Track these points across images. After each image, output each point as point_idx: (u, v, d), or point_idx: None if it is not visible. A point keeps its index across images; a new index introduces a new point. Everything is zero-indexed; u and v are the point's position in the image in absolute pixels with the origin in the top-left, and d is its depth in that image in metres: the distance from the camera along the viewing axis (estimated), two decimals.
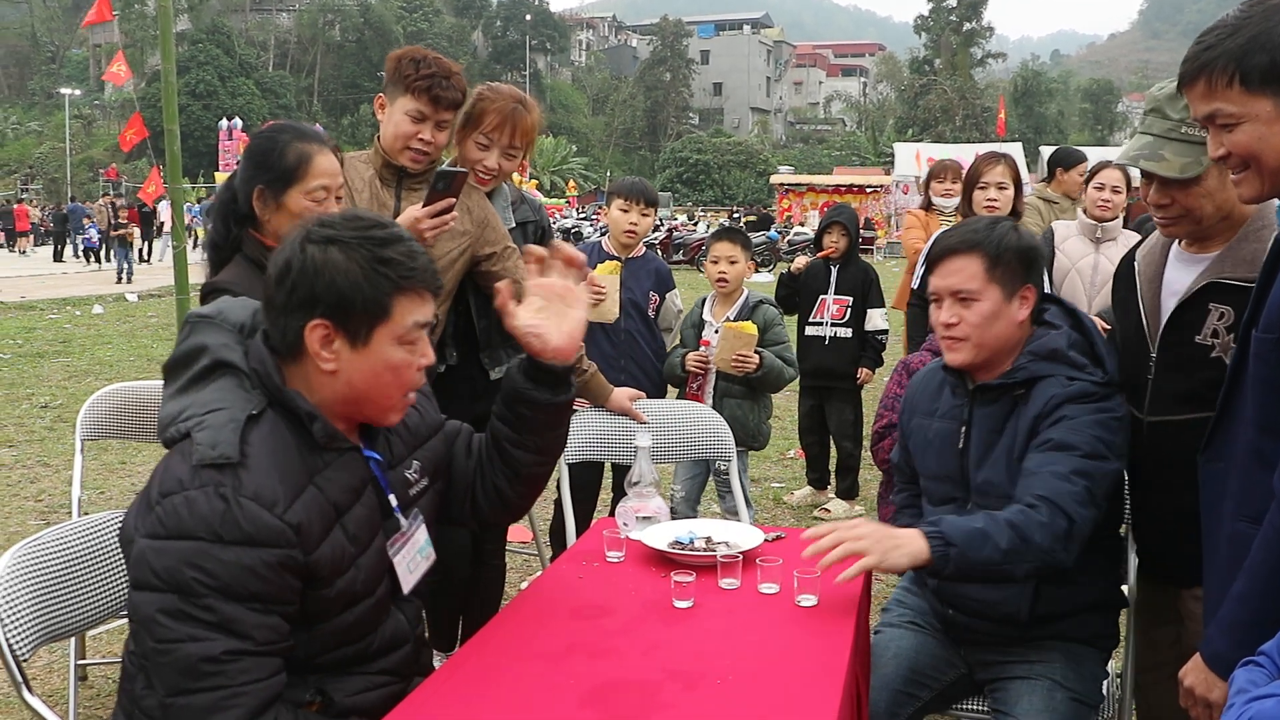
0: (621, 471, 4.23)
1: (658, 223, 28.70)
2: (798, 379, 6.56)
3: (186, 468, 1.94)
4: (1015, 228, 2.81)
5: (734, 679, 2.07)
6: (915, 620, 2.96)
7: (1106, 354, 2.75)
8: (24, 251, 36.79)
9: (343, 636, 2.13)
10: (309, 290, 2.04)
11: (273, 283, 2.08)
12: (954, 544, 2.40)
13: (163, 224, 31.35)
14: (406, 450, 2.35)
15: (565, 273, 2.51)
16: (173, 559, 1.88)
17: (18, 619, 2.27)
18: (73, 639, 3.44)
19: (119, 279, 24.27)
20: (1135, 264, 2.81)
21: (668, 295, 5.01)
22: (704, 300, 5.23)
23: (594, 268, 4.62)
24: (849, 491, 6.81)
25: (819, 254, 6.70)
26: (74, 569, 2.49)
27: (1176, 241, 2.69)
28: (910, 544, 2.41)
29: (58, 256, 32.75)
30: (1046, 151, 8.11)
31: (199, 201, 36.94)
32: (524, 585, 5.00)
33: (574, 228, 31.87)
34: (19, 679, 2.20)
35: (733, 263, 5.08)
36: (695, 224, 37.49)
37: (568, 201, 56.26)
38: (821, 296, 6.59)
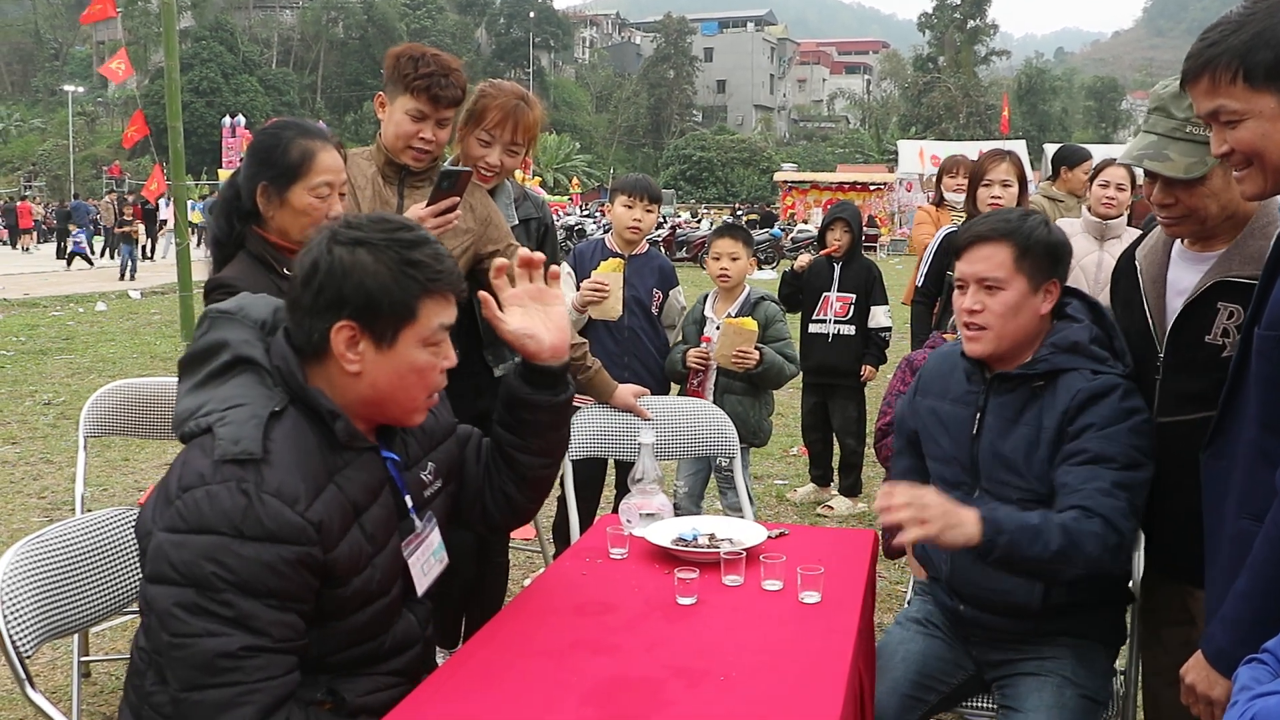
0: (625, 468, 4.23)
1: (661, 220, 28.69)
2: (800, 376, 6.58)
3: (208, 462, 1.94)
4: (1046, 222, 2.80)
5: (737, 676, 2.07)
6: (923, 624, 2.96)
7: (1126, 349, 2.75)
8: (27, 249, 36.80)
9: (356, 636, 2.14)
10: (336, 292, 2.04)
11: (299, 284, 2.08)
12: (1004, 532, 2.43)
13: (164, 221, 31.39)
14: (422, 452, 2.36)
15: (529, 275, 2.51)
16: (192, 553, 1.89)
17: (21, 615, 2.27)
18: (76, 636, 3.44)
19: (122, 276, 24.28)
20: (1137, 262, 2.79)
21: (671, 292, 5.01)
22: (706, 296, 5.23)
23: (597, 265, 4.61)
24: (852, 489, 6.80)
25: (822, 251, 6.69)
26: (77, 566, 2.49)
27: (1179, 239, 2.68)
28: (968, 525, 2.42)
29: (61, 254, 32.75)
30: (1050, 149, 8.12)
31: (201, 199, 36.99)
32: (527, 582, 5.00)
33: (577, 225, 31.84)
34: (22, 675, 2.20)
35: (734, 259, 5.08)
36: (699, 221, 37.51)
37: (571, 199, 56.23)
38: (825, 294, 6.59)
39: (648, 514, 3.01)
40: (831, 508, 6.72)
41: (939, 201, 6.60)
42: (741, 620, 2.36)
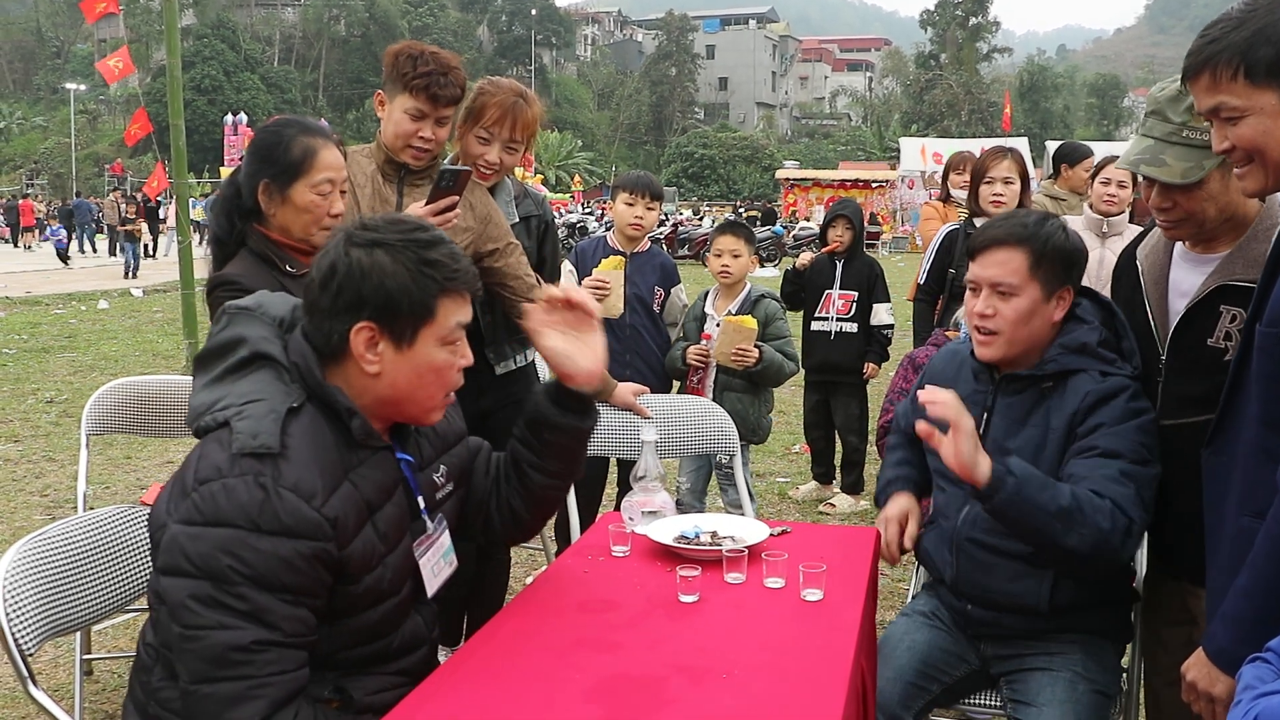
0: (626, 466, 4.23)
1: (663, 217, 28.69)
2: (802, 374, 6.58)
3: (225, 455, 1.95)
4: (1064, 227, 2.78)
5: (739, 673, 2.07)
6: (928, 616, 2.96)
7: (1136, 350, 2.74)
8: (29, 247, 36.80)
9: (365, 634, 2.15)
10: (355, 293, 2.06)
11: (316, 286, 2.09)
12: (1014, 474, 2.44)
13: (165, 219, 31.37)
14: (434, 454, 2.38)
15: (565, 309, 2.49)
16: (208, 545, 1.89)
17: (23, 614, 2.27)
18: (78, 634, 3.44)
19: (126, 274, 24.28)
20: (1138, 262, 2.78)
21: (673, 290, 5.01)
22: (707, 293, 5.23)
23: (599, 263, 4.62)
24: (854, 486, 6.80)
25: (824, 249, 6.69)
26: (79, 564, 2.49)
27: (1181, 241, 2.67)
28: (982, 461, 2.45)
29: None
30: (1052, 147, 8.10)
31: (203, 197, 36.97)
32: (529, 580, 5.00)
33: (579, 222, 31.85)
34: (25, 673, 2.21)
35: (736, 256, 5.07)
36: (700, 219, 37.50)
37: (572, 196, 56.23)
38: (827, 291, 6.58)
39: (650, 511, 3.01)
40: (834, 505, 6.72)
41: (945, 198, 6.58)
42: (744, 618, 2.36)
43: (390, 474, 2.18)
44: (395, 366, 2.10)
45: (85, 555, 2.52)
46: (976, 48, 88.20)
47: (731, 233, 5.17)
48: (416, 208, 3.22)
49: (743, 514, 3.93)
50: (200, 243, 13.01)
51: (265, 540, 1.90)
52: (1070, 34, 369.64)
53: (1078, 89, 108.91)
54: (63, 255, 29.02)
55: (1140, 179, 2.61)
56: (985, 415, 2.81)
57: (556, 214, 33.15)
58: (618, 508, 3.27)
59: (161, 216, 31.76)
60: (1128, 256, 2.85)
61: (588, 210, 41.16)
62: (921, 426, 2.54)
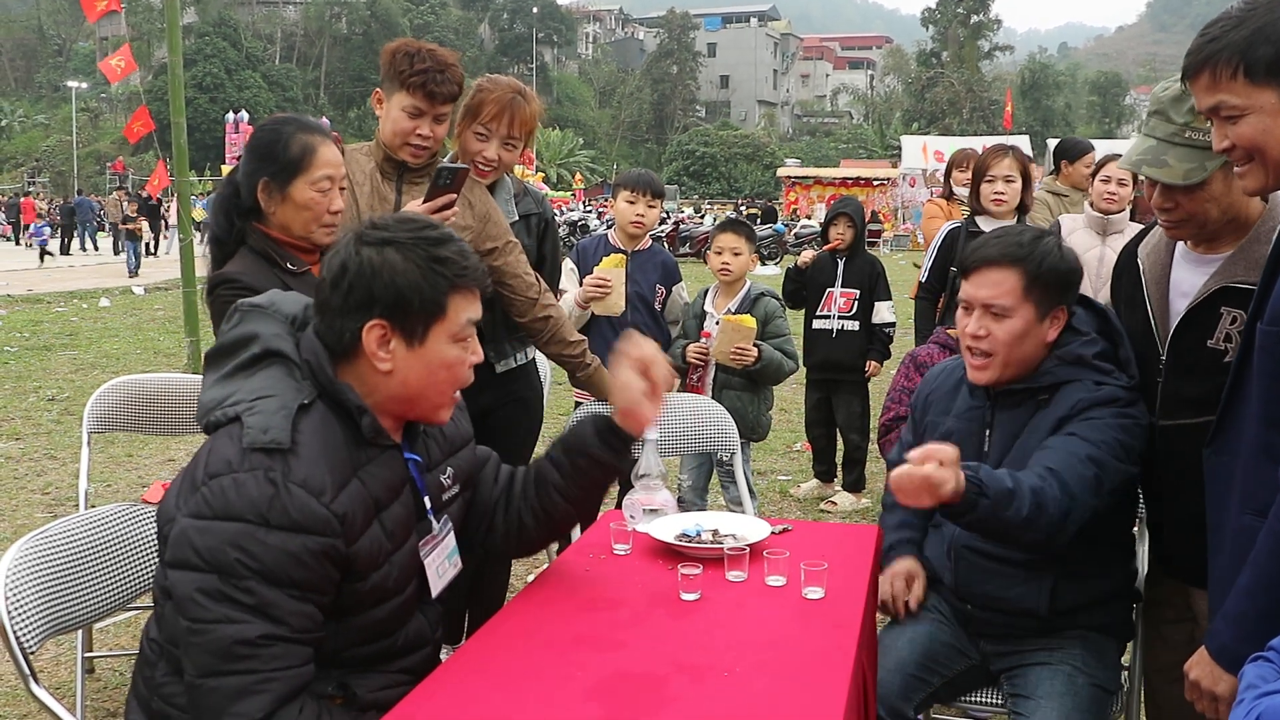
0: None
1: (664, 215, 28.69)
2: (802, 371, 6.58)
3: (236, 450, 1.97)
4: (1059, 245, 2.74)
5: (741, 671, 2.06)
6: (930, 610, 2.96)
7: (1133, 359, 2.73)
8: (31, 245, 36.77)
9: (370, 632, 2.16)
10: (367, 291, 2.07)
11: (328, 286, 2.11)
12: (987, 496, 2.39)
13: (166, 218, 31.34)
14: (442, 456, 2.39)
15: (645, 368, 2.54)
16: (217, 539, 1.91)
17: (25, 612, 2.27)
18: (80, 632, 3.44)
19: (131, 273, 24.26)
20: (1139, 260, 2.77)
21: (674, 288, 5.01)
22: (706, 291, 5.23)
23: (600, 261, 4.61)
24: (856, 484, 6.80)
25: (825, 247, 6.69)
26: (81, 562, 2.50)
27: (1182, 240, 2.66)
28: (958, 484, 2.37)
29: (64, 250, 32.75)
30: (1054, 144, 8.09)
31: (205, 195, 36.94)
32: (530, 578, 5.00)
33: (580, 220, 31.83)
34: (26, 671, 2.21)
35: (736, 254, 5.07)
36: (702, 217, 37.48)
37: (574, 194, 56.20)
38: (829, 289, 6.58)
39: (651, 510, 3.00)
40: (835, 503, 6.72)
41: (948, 195, 6.57)
42: (745, 616, 2.36)
43: (398, 473, 2.19)
44: (407, 364, 2.12)
45: (87, 553, 2.52)
46: (978, 45, 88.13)
47: (732, 230, 5.17)
48: (415, 206, 3.22)
49: (744, 511, 3.93)
50: (201, 240, 13.05)
51: (274, 535, 1.92)
52: (1072, 32, 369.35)
53: (1079, 87, 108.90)
54: (42, 254, 28.51)
55: (1143, 179, 2.60)
56: (987, 433, 2.81)
57: (557, 212, 33.13)
58: (619, 506, 3.27)
59: (163, 213, 31.72)
60: (1129, 254, 2.84)
61: (589, 208, 41.13)
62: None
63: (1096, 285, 5.20)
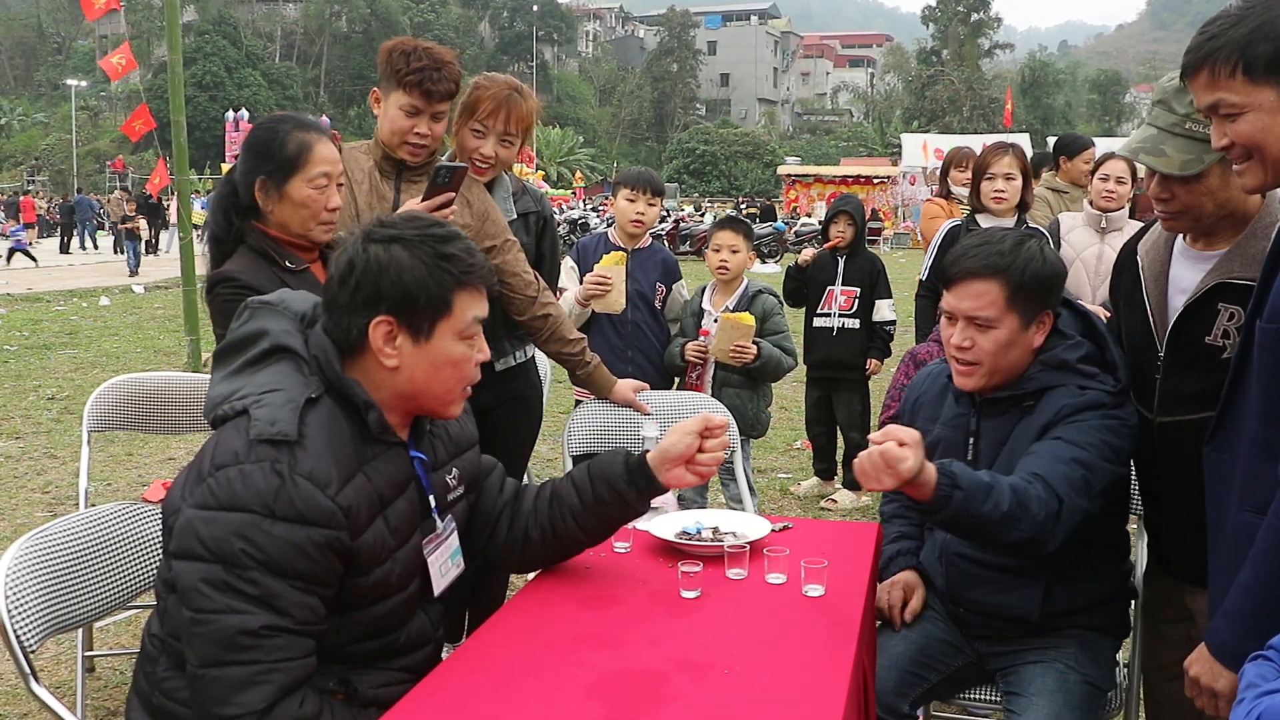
0: None
1: (664, 213, 28.66)
2: (802, 369, 6.58)
3: (242, 442, 1.99)
4: (1042, 249, 2.71)
5: (741, 669, 2.07)
6: (927, 606, 2.96)
7: (1120, 359, 2.72)
8: (30, 243, 36.73)
9: (372, 628, 2.17)
10: (373, 288, 2.10)
11: (335, 283, 2.14)
12: (960, 488, 2.36)
13: (167, 216, 31.32)
14: (448, 456, 2.40)
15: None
16: (222, 529, 1.92)
17: (25, 610, 2.27)
18: (80, 630, 3.45)
19: (130, 272, 24.23)
20: (1138, 258, 2.76)
21: (675, 286, 5.01)
22: (704, 289, 5.23)
23: (600, 259, 4.61)
24: (856, 482, 6.78)
25: (825, 245, 6.69)
26: (81, 560, 2.50)
27: (1181, 236, 2.66)
28: (927, 478, 2.34)
29: (64, 248, 32.73)
30: (1054, 142, 8.08)
31: (206, 194, 36.89)
32: (530, 576, 5.00)
33: (581, 218, 31.82)
34: (27, 670, 2.21)
35: (734, 252, 5.07)
36: (702, 215, 37.47)
37: (574, 193, 56.18)
38: (829, 287, 6.58)
39: (651, 507, 3.01)
40: (835, 501, 6.72)
41: (946, 194, 6.55)
42: (745, 614, 2.36)
43: (403, 470, 2.20)
44: (413, 360, 2.14)
45: (87, 552, 2.52)
46: (978, 44, 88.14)
47: (729, 228, 5.16)
48: (413, 204, 3.22)
49: (744, 509, 3.93)
50: (201, 239, 13.07)
51: (279, 526, 1.93)
52: (1072, 30, 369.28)
53: (1079, 85, 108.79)
54: (28, 253, 27.85)
55: (1144, 169, 2.60)
56: (972, 440, 2.80)
57: (557, 211, 33.15)
58: None
59: (166, 211, 31.67)
60: (1128, 252, 2.83)
61: (590, 207, 41.11)
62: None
63: (1095, 282, 5.21)
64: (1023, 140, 28.18)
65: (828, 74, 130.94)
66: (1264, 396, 2.11)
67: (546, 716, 1.90)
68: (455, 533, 2.40)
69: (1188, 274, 2.60)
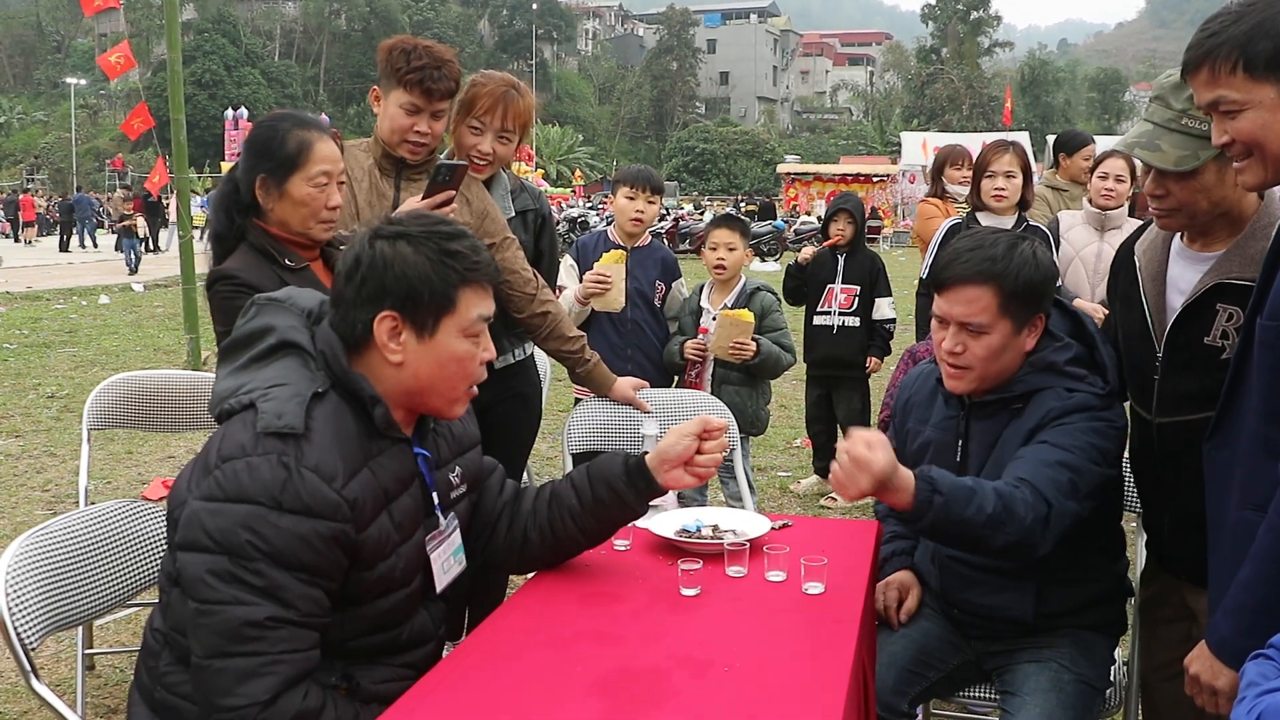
0: None
1: (664, 212, 28.66)
2: (802, 367, 6.58)
3: (249, 435, 2.00)
4: (1035, 252, 2.67)
5: (741, 666, 2.07)
6: (926, 605, 2.96)
7: (1109, 361, 2.72)
8: (30, 242, 36.77)
9: (375, 623, 2.18)
10: (378, 283, 2.11)
11: (342, 279, 2.16)
12: (941, 493, 2.34)
13: (166, 214, 31.32)
14: (451, 455, 2.42)
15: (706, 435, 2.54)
16: (228, 521, 1.93)
17: (25, 608, 2.27)
18: (80, 628, 3.45)
19: (130, 270, 24.23)
20: (1136, 258, 2.76)
21: (674, 284, 5.01)
22: (702, 287, 5.23)
23: (600, 257, 4.61)
24: None
25: (825, 243, 6.69)
26: (81, 558, 2.50)
27: (1178, 236, 2.65)
28: (905, 483, 2.32)
29: (64, 247, 32.73)
30: (1054, 141, 8.03)
31: (206, 192, 36.87)
32: (530, 574, 5.00)
33: (580, 217, 31.82)
34: (27, 668, 2.21)
35: (731, 249, 5.07)
36: (701, 213, 37.46)
37: (574, 191, 56.18)
38: (829, 286, 6.58)
39: (651, 505, 3.01)
40: (835, 499, 6.71)
41: (940, 194, 6.48)
42: (745, 611, 2.36)
43: (408, 466, 2.21)
44: (418, 356, 2.15)
45: (87, 550, 2.52)
46: (978, 42, 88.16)
47: (726, 226, 5.16)
48: (413, 202, 3.22)
49: (743, 507, 3.93)
50: (201, 237, 13.09)
51: (285, 518, 1.94)
52: (1071, 28, 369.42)
53: (1079, 83, 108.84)
54: None
55: (1140, 166, 2.59)
56: (961, 443, 2.79)
57: (557, 209, 33.15)
58: None
59: (166, 209, 31.67)
60: (1126, 251, 2.82)
61: (590, 205, 41.10)
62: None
63: (1094, 280, 5.21)
64: (1022, 139, 28.16)
65: (827, 72, 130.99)
66: (1264, 394, 2.11)
67: (547, 713, 1.89)
68: (458, 530, 2.41)
69: (1185, 274, 2.59)
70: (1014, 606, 2.76)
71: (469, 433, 2.51)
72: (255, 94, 74.73)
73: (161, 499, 6.03)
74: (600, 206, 37.24)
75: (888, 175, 40.03)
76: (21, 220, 37.91)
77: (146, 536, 2.68)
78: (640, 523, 2.83)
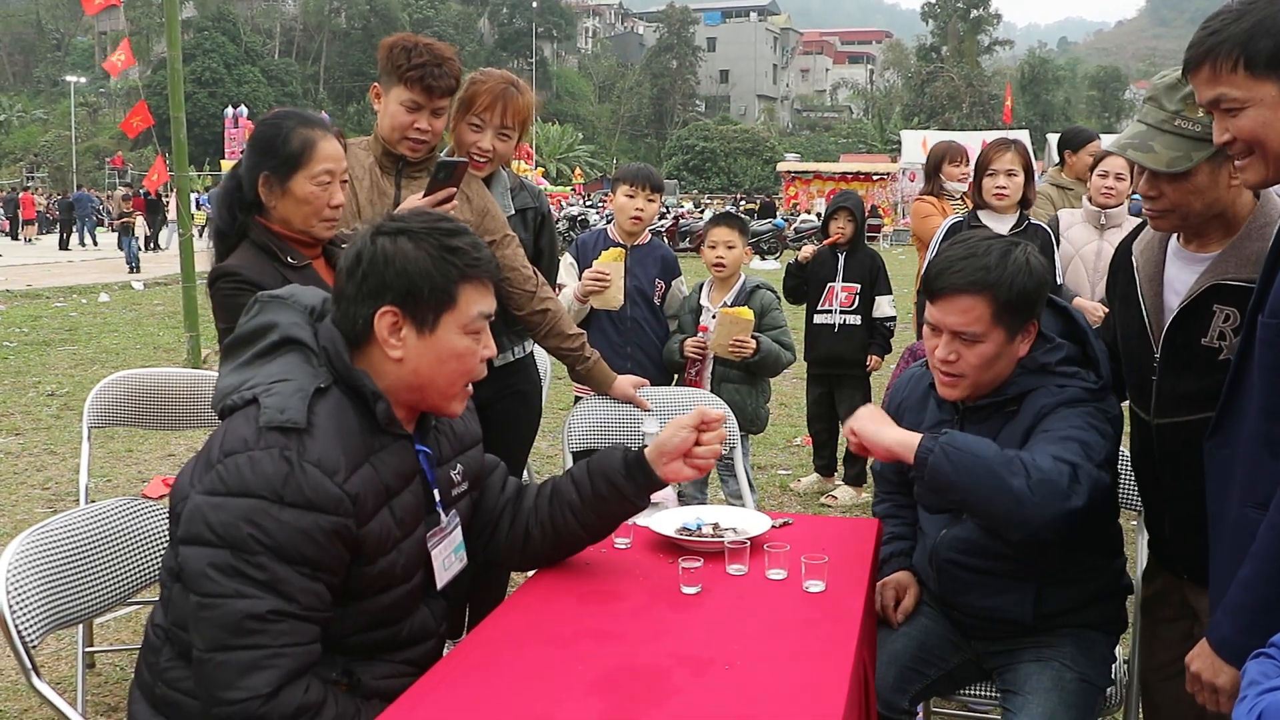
0: None
1: (663, 210, 28.66)
2: (803, 366, 6.57)
3: (252, 429, 2.01)
4: (1028, 259, 2.64)
5: (742, 664, 2.07)
6: (927, 604, 2.96)
7: (1101, 356, 2.71)
8: (30, 240, 36.76)
9: (376, 619, 2.19)
10: (379, 279, 2.12)
11: (344, 275, 2.17)
12: (947, 435, 2.41)
13: (166, 212, 31.32)
14: (453, 452, 2.42)
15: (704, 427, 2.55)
16: (231, 514, 1.94)
17: (26, 606, 2.27)
18: (80, 626, 3.45)
19: (131, 268, 24.23)
20: (1134, 258, 2.75)
21: (674, 282, 5.01)
22: (701, 286, 5.23)
23: (599, 255, 4.61)
24: (856, 478, 6.79)
25: (825, 241, 6.69)
26: (82, 556, 2.50)
27: (1175, 237, 2.65)
28: (906, 436, 2.41)
29: (63, 245, 32.73)
30: (1054, 139, 8.00)
31: (206, 190, 36.90)
32: (531, 572, 5.00)
33: (580, 215, 31.82)
34: (28, 665, 2.21)
35: (730, 248, 5.06)
36: (701, 212, 37.48)
37: (573, 189, 56.17)
38: (830, 284, 6.58)
39: (652, 503, 3.01)
40: (835, 497, 6.72)
41: (935, 191, 6.40)
42: (746, 609, 2.36)
43: (409, 463, 2.22)
44: (418, 352, 2.15)
45: (87, 548, 2.52)
46: (978, 40, 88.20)
47: (725, 224, 5.16)
48: (414, 200, 3.22)
49: (743, 504, 3.93)
50: (201, 235, 13.11)
51: (287, 512, 1.95)
52: (1071, 26, 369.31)
53: (1079, 81, 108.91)
54: None
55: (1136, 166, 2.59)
56: None
57: (556, 208, 33.14)
58: None
59: (167, 206, 31.67)
60: (1124, 251, 2.81)
61: (590, 203, 41.11)
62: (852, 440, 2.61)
63: (1094, 279, 5.21)
64: (1022, 137, 28.16)
65: (827, 70, 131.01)
66: (1265, 392, 2.11)
67: (548, 711, 1.90)
68: (459, 528, 2.41)
69: (1182, 275, 2.58)
70: (1013, 608, 2.76)
71: (471, 431, 2.52)
72: (255, 92, 74.81)
73: (162, 497, 6.04)
74: (600, 205, 37.24)
75: (888, 173, 40.01)
76: (21, 218, 37.88)
77: (147, 534, 2.69)
78: (641, 521, 2.83)
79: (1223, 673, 2.13)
